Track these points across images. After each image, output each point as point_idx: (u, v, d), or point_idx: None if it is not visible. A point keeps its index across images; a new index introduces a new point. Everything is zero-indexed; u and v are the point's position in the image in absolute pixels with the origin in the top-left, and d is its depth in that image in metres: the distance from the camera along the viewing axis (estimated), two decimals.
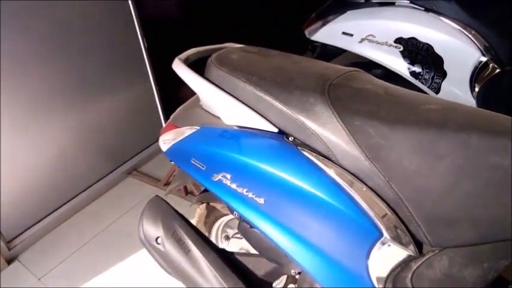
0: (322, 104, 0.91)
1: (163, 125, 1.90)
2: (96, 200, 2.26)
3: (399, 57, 1.68)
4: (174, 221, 1.10)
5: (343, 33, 1.83)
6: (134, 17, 1.66)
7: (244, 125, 1.01)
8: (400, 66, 1.69)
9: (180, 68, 1.09)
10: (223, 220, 1.53)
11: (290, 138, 0.95)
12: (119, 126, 2.28)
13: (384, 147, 0.84)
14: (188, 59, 1.17)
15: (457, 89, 1.61)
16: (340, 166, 0.89)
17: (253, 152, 0.97)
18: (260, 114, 0.98)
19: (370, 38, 1.73)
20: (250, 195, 0.96)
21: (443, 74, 1.62)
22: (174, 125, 1.22)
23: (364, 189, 0.86)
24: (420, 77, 1.66)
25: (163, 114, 1.81)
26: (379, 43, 1.71)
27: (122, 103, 2.25)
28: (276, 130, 0.96)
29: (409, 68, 1.68)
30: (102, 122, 2.18)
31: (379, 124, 0.85)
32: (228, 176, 0.99)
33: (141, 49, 1.69)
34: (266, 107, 0.97)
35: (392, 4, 1.73)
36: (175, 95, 1.97)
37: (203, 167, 1.05)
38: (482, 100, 1.59)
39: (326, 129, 0.90)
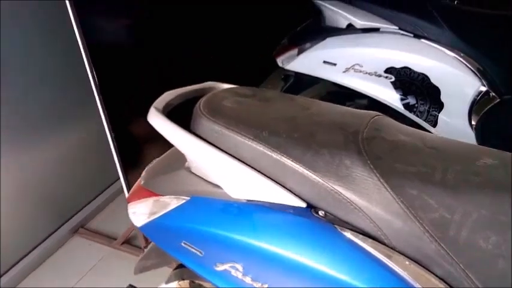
0: (363, 167, 0.69)
1: (121, 176, 1.58)
2: (33, 272, 1.82)
3: (391, 89, 1.53)
4: None
5: (325, 62, 1.65)
6: (81, 46, 1.35)
7: (255, 198, 0.76)
8: (392, 98, 1.53)
9: (158, 121, 0.82)
10: None
11: (320, 213, 0.72)
12: (62, 175, 1.91)
13: (452, 223, 0.63)
14: (167, 106, 0.90)
15: (456, 121, 1.48)
16: (396, 250, 0.67)
17: (274, 235, 0.72)
18: (279, 184, 0.73)
19: (356, 67, 1.56)
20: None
21: (439, 106, 1.48)
22: (147, 189, 0.94)
23: (434, 280, 0.64)
24: (415, 110, 1.52)
25: (119, 162, 1.50)
26: (367, 73, 1.55)
27: (67, 147, 1.90)
28: (303, 204, 0.72)
29: (402, 100, 1.52)
30: (43, 170, 1.81)
31: (439, 191, 0.65)
32: (239, 267, 0.74)
33: (90, 84, 1.39)
34: (285, 173, 0.73)
35: (377, 30, 1.59)
36: (133, 135, 1.67)
37: (200, 253, 0.79)
38: (481, 131, 1.47)
39: (373, 202, 0.68)
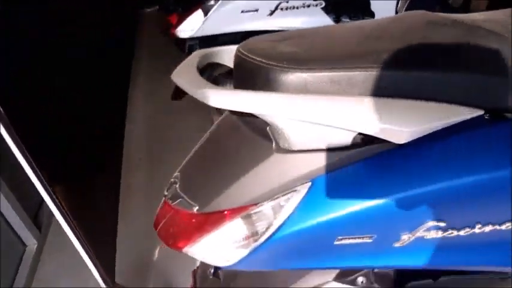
0: None
1: None
2: None
3: (323, 15, 1.45)
4: None
5: (244, 11, 1.47)
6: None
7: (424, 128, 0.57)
8: (327, 23, 1.46)
9: (227, 93, 0.56)
10: None
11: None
12: None
13: None
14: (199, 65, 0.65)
15: None
16: None
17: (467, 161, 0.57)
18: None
19: (282, 5, 1.43)
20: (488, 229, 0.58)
21: (371, 14, 1.48)
22: (213, 213, 0.66)
23: None
24: None
25: None
26: (295, 7, 1.43)
27: None
28: (480, 111, 0.57)
29: (337, 22, 1.47)
30: None
31: None
32: (443, 224, 0.57)
33: None
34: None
35: None
36: None
37: (370, 238, 0.59)
38: None
39: None
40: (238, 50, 0.67)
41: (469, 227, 0.59)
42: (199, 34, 1.55)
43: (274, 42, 0.69)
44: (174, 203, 0.71)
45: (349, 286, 0.84)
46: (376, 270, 0.81)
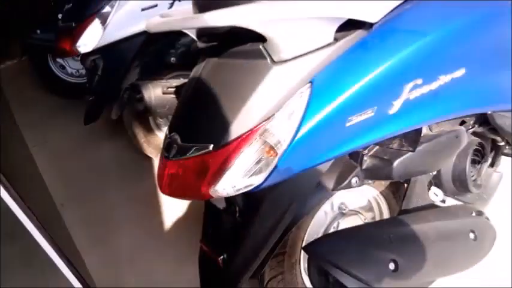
0: None
1: None
2: None
3: None
4: None
5: (144, 9, 1.48)
6: None
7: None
8: None
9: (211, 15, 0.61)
10: None
11: None
12: None
13: None
14: None
15: None
16: None
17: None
18: None
19: None
20: (448, 78, 0.73)
21: None
22: (228, 143, 0.70)
23: None
24: None
25: None
26: None
27: None
28: None
29: None
30: None
31: None
32: (420, 81, 0.71)
33: None
34: None
35: None
36: None
37: (371, 112, 0.70)
38: None
39: None
40: None
41: (438, 79, 0.74)
42: (103, 43, 1.52)
43: None
44: (186, 154, 0.73)
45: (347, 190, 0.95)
46: (364, 166, 0.93)
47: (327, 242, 0.84)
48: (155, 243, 1.60)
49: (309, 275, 0.91)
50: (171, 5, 1.50)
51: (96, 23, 1.50)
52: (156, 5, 1.49)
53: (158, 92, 1.67)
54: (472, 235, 0.86)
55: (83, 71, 2.42)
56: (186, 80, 1.72)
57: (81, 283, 1.01)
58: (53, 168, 2.07)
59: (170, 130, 0.79)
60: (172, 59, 1.73)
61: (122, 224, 1.71)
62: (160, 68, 1.73)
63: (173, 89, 1.69)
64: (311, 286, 1.08)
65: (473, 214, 0.93)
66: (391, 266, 0.74)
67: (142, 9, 1.49)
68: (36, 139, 2.30)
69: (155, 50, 1.70)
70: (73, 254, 1.15)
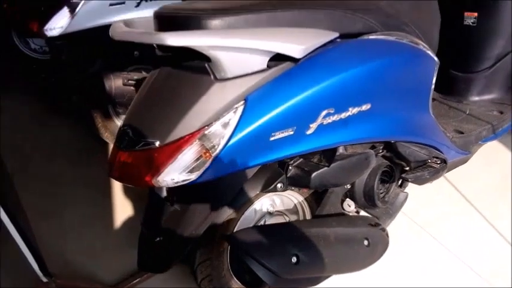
0: None
1: None
2: None
3: None
4: None
5: (112, 4, 1.57)
6: None
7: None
8: None
9: (170, 36, 0.73)
10: None
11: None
12: None
13: None
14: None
15: None
16: None
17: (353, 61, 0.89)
18: None
19: None
20: (356, 111, 0.91)
21: None
22: (172, 143, 0.84)
23: None
24: None
25: None
26: None
27: None
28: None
29: None
30: None
31: None
32: (332, 110, 0.88)
33: None
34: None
35: None
36: None
37: (291, 131, 0.86)
38: None
39: None
40: (159, 13, 0.86)
41: (347, 110, 0.92)
42: (70, 30, 1.59)
43: (187, 4, 0.90)
44: (135, 147, 0.85)
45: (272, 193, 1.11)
46: (289, 175, 1.09)
47: (246, 235, 1.00)
48: (102, 223, 1.70)
49: (231, 263, 1.06)
50: (138, 4, 1.60)
51: (65, 10, 1.56)
52: (123, 2, 1.58)
53: (119, 83, 1.77)
54: (366, 242, 1.05)
55: (46, 48, 2.43)
56: (146, 74, 1.83)
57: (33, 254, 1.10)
58: (6, 138, 2.10)
59: (124, 123, 0.91)
60: (135, 52, 1.82)
61: (73, 201, 1.80)
62: (123, 60, 1.82)
63: (133, 82, 1.80)
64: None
65: (371, 224, 1.12)
66: (294, 259, 0.92)
67: (111, 5, 1.57)
68: None
69: (119, 43, 1.78)
70: (25, 223, 1.23)
